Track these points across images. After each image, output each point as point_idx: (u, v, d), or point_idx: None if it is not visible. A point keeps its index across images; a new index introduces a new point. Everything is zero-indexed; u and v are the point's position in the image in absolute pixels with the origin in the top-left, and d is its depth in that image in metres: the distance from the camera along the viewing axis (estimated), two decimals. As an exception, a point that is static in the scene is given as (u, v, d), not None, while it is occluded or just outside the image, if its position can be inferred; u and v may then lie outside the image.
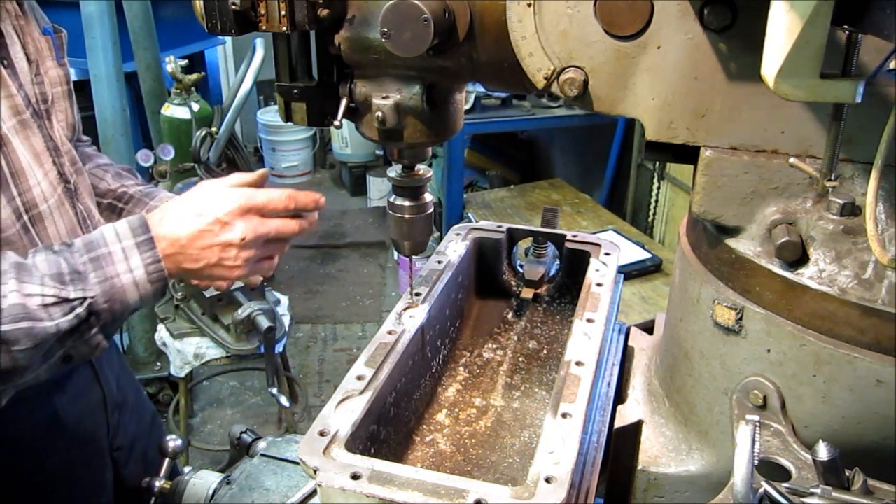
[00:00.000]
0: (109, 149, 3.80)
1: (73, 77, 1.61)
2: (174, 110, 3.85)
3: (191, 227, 1.26)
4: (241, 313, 3.12)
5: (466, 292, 1.58)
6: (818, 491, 0.85)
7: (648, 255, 3.90)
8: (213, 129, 3.50)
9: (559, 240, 1.58)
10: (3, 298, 1.10)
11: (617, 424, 1.22)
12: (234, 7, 1.07)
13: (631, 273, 3.74)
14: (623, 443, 1.22)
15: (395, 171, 1.28)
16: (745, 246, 1.03)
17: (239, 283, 1.79)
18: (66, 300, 1.15)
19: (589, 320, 1.24)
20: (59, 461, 1.62)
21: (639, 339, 1.47)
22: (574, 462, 0.93)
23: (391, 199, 1.31)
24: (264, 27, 1.10)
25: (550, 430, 0.98)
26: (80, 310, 1.15)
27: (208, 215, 1.27)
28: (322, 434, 0.99)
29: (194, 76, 3.84)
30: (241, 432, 1.61)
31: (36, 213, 1.37)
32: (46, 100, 1.48)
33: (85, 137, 1.74)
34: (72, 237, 1.34)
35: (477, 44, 1.08)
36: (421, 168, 1.29)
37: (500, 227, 1.61)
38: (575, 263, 1.55)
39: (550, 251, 1.63)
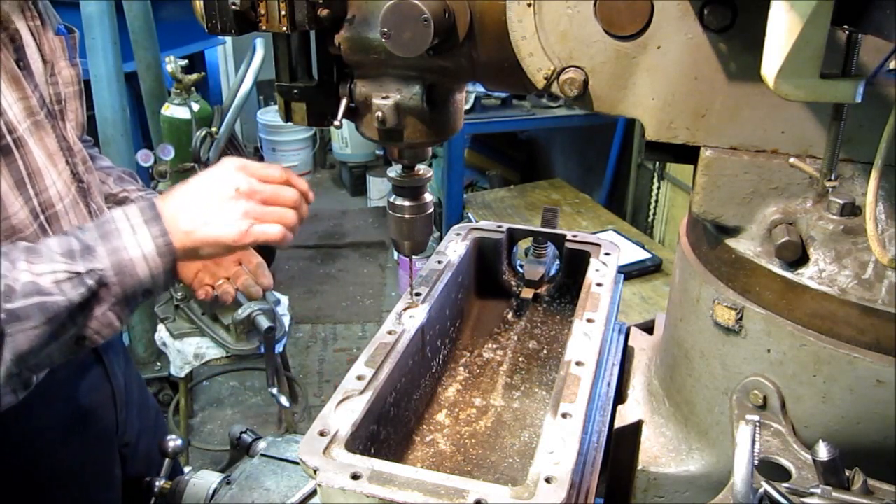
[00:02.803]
0: (109, 149, 3.79)
1: (78, 77, 1.62)
2: (174, 110, 3.85)
3: (191, 190, 1.29)
4: (241, 313, 3.12)
5: (466, 292, 1.58)
6: (818, 491, 0.85)
7: (648, 255, 3.90)
8: (213, 129, 3.50)
9: (559, 240, 1.58)
10: (17, 281, 1.11)
11: (617, 424, 1.22)
12: (234, 7, 1.07)
13: (631, 273, 3.74)
14: (623, 443, 1.22)
15: (395, 171, 1.28)
16: (745, 246, 1.03)
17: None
18: (77, 274, 1.15)
19: (589, 320, 1.24)
20: (72, 457, 1.63)
21: (639, 339, 1.47)
22: (574, 462, 0.93)
23: (391, 199, 1.31)
24: (264, 27, 1.10)
25: (550, 430, 0.98)
26: (90, 282, 1.16)
27: (206, 179, 1.30)
28: (322, 434, 0.99)
29: (194, 76, 3.83)
30: (241, 432, 1.61)
31: (52, 213, 1.39)
32: (60, 100, 1.50)
33: (87, 138, 1.75)
34: None
35: (477, 44, 1.08)
36: (421, 168, 1.29)
37: (500, 227, 1.61)
38: (575, 263, 1.55)
39: (550, 251, 1.63)
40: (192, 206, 1.27)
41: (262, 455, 1.54)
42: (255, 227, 1.27)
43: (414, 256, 1.37)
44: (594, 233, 3.91)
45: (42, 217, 1.37)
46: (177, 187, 1.32)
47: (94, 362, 1.70)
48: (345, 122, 1.19)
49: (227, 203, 1.26)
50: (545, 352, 1.50)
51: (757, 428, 0.88)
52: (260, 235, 1.27)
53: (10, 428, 1.46)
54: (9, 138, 1.30)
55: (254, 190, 1.28)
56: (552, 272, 1.63)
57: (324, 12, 1.08)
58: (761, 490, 0.85)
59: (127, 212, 1.24)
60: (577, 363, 1.12)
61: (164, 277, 1.23)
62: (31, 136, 1.36)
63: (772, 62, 0.79)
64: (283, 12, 1.07)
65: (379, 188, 7.11)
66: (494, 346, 1.53)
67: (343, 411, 1.03)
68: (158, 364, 4.27)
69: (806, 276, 0.97)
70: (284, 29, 1.08)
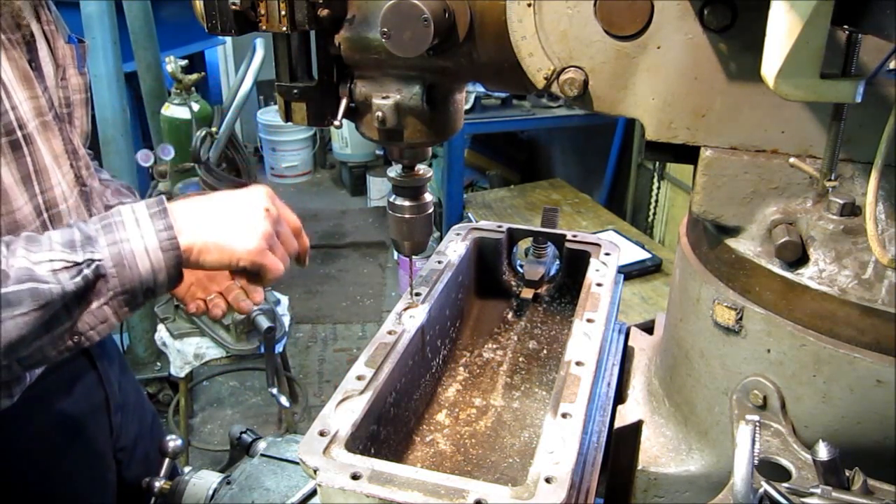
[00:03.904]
0: (109, 149, 3.80)
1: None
2: (174, 110, 3.85)
3: (213, 198, 1.27)
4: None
5: (466, 292, 1.58)
6: (818, 491, 0.85)
7: (648, 255, 3.90)
8: (213, 129, 3.50)
9: (559, 240, 1.58)
10: (11, 267, 1.08)
11: (617, 424, 1.22)
12: (234, 7, 1.07)
13: (631, 273, 3.74)
14: (623, 443, 1.22)
15: (395, 171, 1.28)
16: (745, 246, 1.03)
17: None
18: (75, 263, 1.12)
19: (589, 320, 1.24)
20: (64, 463, 1.62)
21: (639, 339, 1.47)
22: (574, 462, 0.93)
23: (391, 199, 1.31)
24: (264, 27, 1.10)
25: (550, 430, 0.98)
26: (86, 271, 1.12)
27: (235, 193, 1.28)
28: (322, 434, 0.99)
29: (194, 76, 3.84)
30: (241, 432, 1.61)
31: (55, 213, 1.39)
32: (69, 104, 1.51)
33: (89, 151, 1.75)
34: None
35: (477, 44, 1.08)
36: (421, 168, 1.29)
37: (500, 227, 1.62)
38: (575, 263, 1.55)
39: (550, 251, 1.63)
40: (211, 211, 1.24)
41: (262, 455, 1.54)
42: (268, 254, 1.25)
43: (414, 256, 1.37)
44: (594, 233, 3.91)
45: (45, 215, 1.36)
46: (196, 195, 1.31)
47: (87, 367, 1.69)
48: (345, 122, 1.19)
49: (253, 218, 1.24)
50: (545, 352, 1.51)
51: (757, 428, 0.88)
52: (270, 263, 1.25)
53: (1, 435, 1.46)
54: (19, 133, 1.31)
55: (278, 220, 1.28)
56: (552, 272, 1.63)
57: (324, 12, 1.08)
58: (761, 490, 0.85)
59: (133, 206, 1.20)
60: (577, 363, 1.12)
61: (167, 276, 1.18)
62: (39, 135, 1.37)
63: (772, 62, 0.79)
64: (283, 12, 1.07)
65: (379, 188, 7.11)
66: (494, 346, 1.53)
67: (343, 411, 1.03)
68: (158, 364, 4.27)
69: (806, 276, 0.97)
70: (284, 29, 1.08)
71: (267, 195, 1.28)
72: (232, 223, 1.23)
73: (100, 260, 1.13)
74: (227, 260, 1.22)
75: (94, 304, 1.15)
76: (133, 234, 1.16)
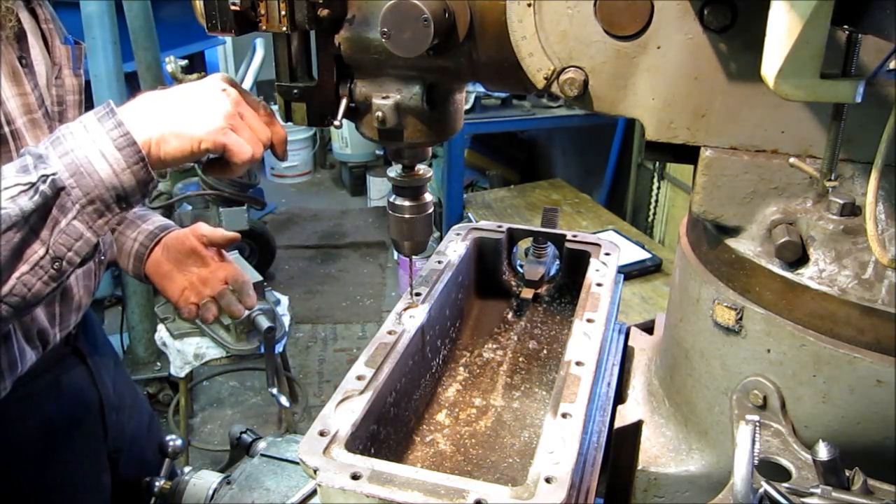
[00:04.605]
0: (109, 149, 3.79)
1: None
2: (174, 110, 3.84)
3: (166, 90, 1.21)
4: (242, 316, 3.12)
5: (466, 292, 1.58)
6: (818, 491, 0.85)
7: (648, 255, 3.90)
8: (213, 129, 3.49)
9: (559, 240, 1.58)
10: None
11: (617, 424, 1.22)
12: (234, 7, 1.07)
13: (631, 273, 3.74)
14: (623, 443, 1.22)
15: (395, 171, 1.28)
16: (745, 246, 1.03)
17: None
18: (30, 184, 1.07)
19: (589, 320, 1.24)
20: (57, 464, 1.62)
21: (639, 339, 1.47)
22: (574, 462, 0.93)
23: (391, 199, 1.31)
24: (264, 27, 1.10)
25: (550, 430, 0.98)
26: (42, 187, 1.07)
27: (188, 83, 1.22)
28: (322, 434, 0.99)
29: (194, 76, 3.83)
30: (241, 432, 1.61)
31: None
32: (63, 103, 1.50)
33: None
34: None
35: (477, 44, 1.08)
36: (421, 168, 1.29)
37: (500, 227, 1.61)
38: (575, 263, 1.55)
39: (550, 251, 1.63)
40: (163, 100, 1.18)
41: (262, 455, 1.54)
42: (231, 133, 1.17)
43: (414, 256, 1.37)
44: (594, 233, 3.91)
45: None
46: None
47: (78, 367, 1.69)
48: (345, 122, 1.19)
49: (210, 100, 1.18)
50: (545, 352, 1.50)
51: (757, 428, 0.88)
52: (234, 144, 1.17)
53: None
54: (6, 129, 1.30)
55: (239, 102, 1.20)
56: (552, 272, 1.63)
57: (324, 12, 1.08)
58: (761, 490, 0.85)
59: (82, 117, 1.15)
60: (577, 363, 1.12)
61: (133, 177, 1.13)
62: (27, 132, 1.36)
63: (772, 62, 0.79)
64: (283, 12, 1.07)
65: (379, 188, 7.11)
66: (494, 346, 1.53)
67: (343, 411, 1.03)
68: (158, 364, 4.27)
69: (806, 276, 0.97)
70: (284, 29, 1.08)
71: (222, 78, 1.22)
72: (187, 108, 1.17)
73: (54, 173, 1.08)
74: (189, 146, 1.16)
75: (63, 222, 1.11)
76: (83, 140, 1.11)
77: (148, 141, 1.14)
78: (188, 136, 1.15)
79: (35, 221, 1.08)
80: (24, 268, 1.10)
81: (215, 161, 1.22)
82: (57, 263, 1.13)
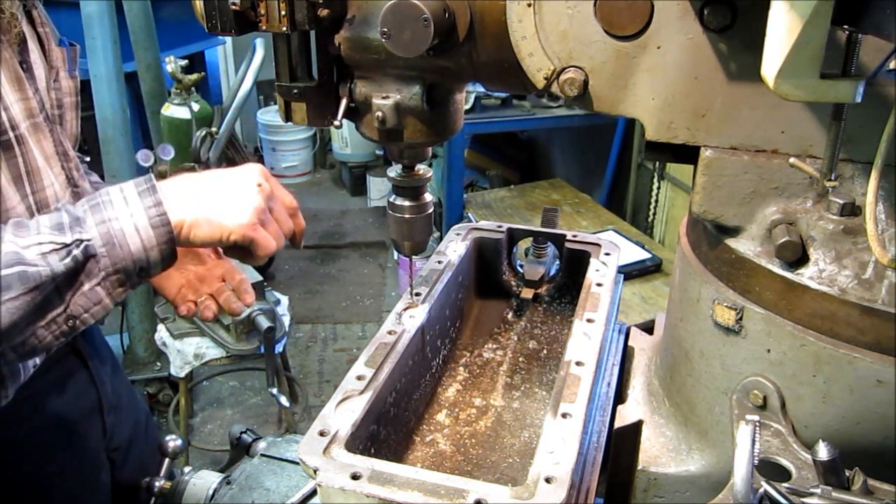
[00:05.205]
0: (109, 149, 3.79)
1: (75, 78, 1.63)
2: (174, 110, 3.85)
3: (204, 175, 1.25)
4: (242, 313, 3.12)
5: (466, 292, 1.58)
6: (818, 491, 0.85)
7: (648, 255, 3.90)
8: (213, 129, 3.50)
9: (559, 240, 1.58)
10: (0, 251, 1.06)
11: (617, 424, 1.22)
12: (234, 7, 1.07)
13: (631, 273, 3.74)
14: (623, 443, 1.22)
15: (395, 171, 1.28)
16: (745, 246, 1.03)
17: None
18: (64, 245, 1.10)
19: (589, 320, 1.24)
20: (56, 464, 1.62)
21: (639, 339, 1.47)
22: (574, 462, 0.93)
23: (391, 199, 1.31)
24: (264, 27, 1.09)
25: (550, 430, 0.98)
26: (76, 251, 1.10)
27: (227, 171, 1.26)
28: (322, 434, 0.99)
29: (194, 76, 3.84)
30: (241, 432, 1.61)
31: (47, 213, 1.38)
32: (61, 105, 1.51)
33: (79, 154, 1.75)
34: None
35: (477, 44, 1.08)
36: (421, 168, 1.29)
37: (500, 227, 1.61)
38: (575, 263, 1.55)
39: (550, 251, 1.63)
40: (201, 187, 1.22)
41: (262, 455, 1.54)
42: (260, 229, 1.22)
43: (414, 256, 1.37)
44: (594, 233, 3.91)
45: (38, 215, 1.36)
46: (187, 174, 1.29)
47: (79, 367, 1.69)
48: (345, 122, 1.19)
49: (245, 194, 1.22)
50: (545, 352, 1.51)
51: (757, 428, 0.88)
52: (261, 238, 1.22)
53: None
54: (10, 134, 1.31)
55: (272, 197, 1.26)
56: (552, 272, 1.63)
57: (324, 12, 1.08)
58: (761, 490, 0.85)
59: (122, 185, 1.18)
60: (577, 363, 1.12)
61: (159, 253, 1.16)
62: (30, 136, 1.37)
63: (772, 62, 0.79)
64: (283, 12, 1.07)
65: (379, 188, 7.11)
66: (494, 346, 1.53)
67: (343, 411, 1.03)
68: (158, 364, 4.27)
69: (806, 276, 0.97)
70: (284, 29, 1.08)
71: (260, 172, 1.26)
72: (223, 198, 1.21)
73: (89, 240, 1.11)
74: (218, 235, 1.20)
75: (87, 286, 1.13)
76: (121, 212, 1.14)
77: (181, 223, 1.17)
78: (219, 226, 1.19)
79: (62, 283, 1.11)
80: (40, 323, 1.12)
81: (239, 249, 1.26)
82: (71, 321, 1.15)
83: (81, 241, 1.11)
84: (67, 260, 1.10)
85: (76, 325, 1.16)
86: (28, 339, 1.12)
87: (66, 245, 1.10)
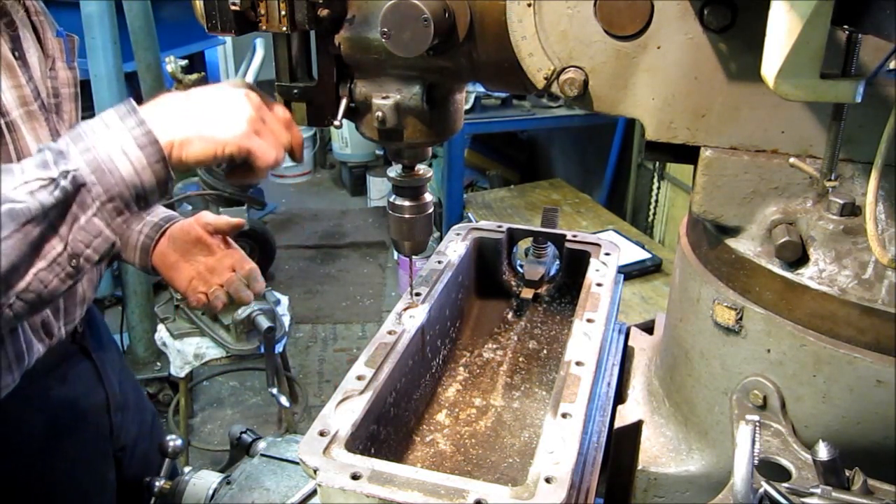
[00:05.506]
0: (109, 149, 3.79)
1: (75, 77, 1.63)
2: (174, 110, 3.83)
3: (189, 92, 1.20)
4: (241, 313, 3.12)
5: (466, 292, 1.58)
6: (818, 491, 0.85)
7: (648, 255, 3.90)
8: (214, 129, 3.49)
9: (559, 240, 1.58)
10: None
11: (617, 424, 1.22)
12: (234, 7, 1.07)
13: (631, 273, 3.74)
14: (623, 443, 1.22)
15: (395, 171, 1.28)
16: (745, 246, 1.03)
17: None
18: (51, 179, 1.06)
19: (589, 320, 1.24)
20: (64, 462, 1.63)
21: (639, 339, 1.47)
22: (574, 462, 0.93)
23: (391, 199, 1.31)
24: (264, 27, 1.10)
25: (550, 430, 0.98)
26: (63, 182, 1.06)
27: (211, 86, 1.21)
28: (322, 434, 0.99)
29: (194, 76, 3.84)
30: (241, 432, 1.61)
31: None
32: (58, 95, 1.51)
33: None
34: None
35: (477, 44, 1.08)
36: (421, 168, 1.29)
37: (500, 227, 1.61)
38: (575, 263, 1.55)
39: (550, 251, 1.63)
40: (186, 102, 1.17)
41: (262, 455, 1.54)
42: (255, 138, 1.16)
43: (414, 256, 1.37)
44: (594, 233, 3.91)
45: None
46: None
47: (87, 367, 1.69)
48: (345, 122, 1.19)
49: (234, 104, 1.16)
50: (545, 352, 1.50)
51: (757, 428, 0.88)
52: (259, 148, 1.16)
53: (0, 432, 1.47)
54: (1, 121, 1.31)
55: (261, 106, 1.19)
56: (552, 272, 1.63)
57: (324, 12, 1.08)
58: (761, 490, 0.85)
59: (102, 114, 1.14)
60: (577, 363, 1.12)
61: (153, 176, 1.11)
62: (23, 123, 1.36)
63: (772, 62, 0.79)
64: (283, 12, 1.07)
65: (379, 188, 7.11)
66: (494, 346, 1.53)
67: (343, 411, 1.03)
68: (158, 364, 4.27)
69: (806, 276, 0.97)
70: (284, 29, 1.08)
71: (244, 84, 1.21)
72: (211, 112, 1.15)
73: (75, 169, 1.07)
74: (213, 150, 1.14)
75: (83, 219, 1.10)
76: (104, 137, 1.10)
77: (171, 142, 1.12)
78: (213, 140, 1.14)
79: (54, 217, 1.07)
80: (41, 264, 1.08)
81: (238, 167, 1.21)
82: (74, 261, 1.11)
83: (68, 171, 1.06)
84: (57, 192, 1.05)
85: (80, 263, 1.12)
86: (32, 283, 1.09)
87: (53, 179, 1.06)
